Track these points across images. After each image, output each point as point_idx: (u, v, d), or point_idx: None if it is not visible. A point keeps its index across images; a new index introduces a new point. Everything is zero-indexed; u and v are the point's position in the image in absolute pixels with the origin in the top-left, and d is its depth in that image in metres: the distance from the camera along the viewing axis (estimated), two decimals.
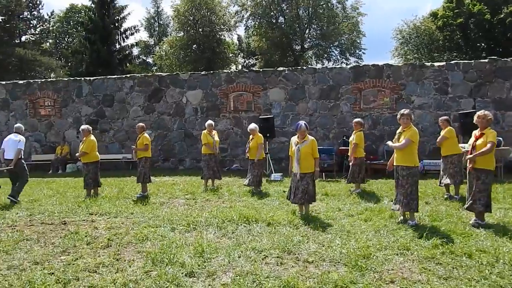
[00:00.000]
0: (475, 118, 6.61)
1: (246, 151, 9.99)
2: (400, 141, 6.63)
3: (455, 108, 12.56)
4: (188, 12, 38.01)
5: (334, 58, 40.78)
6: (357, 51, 40.37)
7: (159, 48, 43.87)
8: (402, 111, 6.80)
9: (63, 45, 40.04)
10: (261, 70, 14.35)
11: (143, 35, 59.78)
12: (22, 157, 9.29)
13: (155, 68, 44.03)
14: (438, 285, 4.31)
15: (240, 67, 44.36)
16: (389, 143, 6.97)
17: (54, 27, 43.19)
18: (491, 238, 5.78)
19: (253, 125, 10.04)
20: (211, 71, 14.86)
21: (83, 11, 32.15)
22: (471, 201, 6.52)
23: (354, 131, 9.52)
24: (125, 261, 5.22)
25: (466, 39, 33.50)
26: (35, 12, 35.15)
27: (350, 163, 9.54)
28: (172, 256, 5.18)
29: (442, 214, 7.14)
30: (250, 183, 9.79)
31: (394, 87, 13.06)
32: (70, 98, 15.52)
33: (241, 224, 6.75)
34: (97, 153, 9.85)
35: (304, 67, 14.04)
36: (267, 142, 12.32)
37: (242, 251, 5.42)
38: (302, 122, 7.29)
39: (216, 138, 10.37)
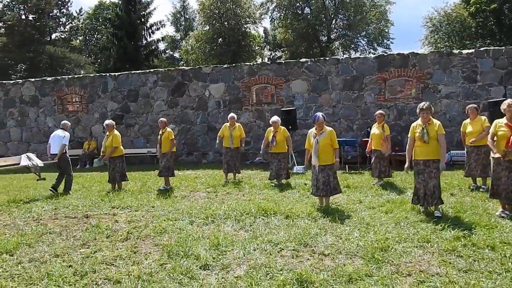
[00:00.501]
0: (504, 106, 6.31)
1: (273, 144, 9.71)
2: (432, 136, 6.40)
3: (484, 97, 12.12)
4: (213, 5, 38.09)
5: (361, 48, 40.17)
6: (385, 40, 39.62)
7: (185, 42, 44.25)
8: (421, 105, 6.55)
9: (93, 42, 40.78)
10: (283, 62, 14.23)
11: (169, 30, 60.28)
12: (67, 152, 9.77)
13: (182, 62, 44.44)
14: (457, 278, 4.16)
15: (266, 60, 44.12)
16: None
17: (84, 24, 44.14)
18: None
19: (275, 118, 9.96)
20: (233, 64, 14.83)
21: (110, 8, 32.58)
22: (505, 192, 6.25)
23: (377, 123, 9.28)
24: (142, 254, 5.27)
25: (500, 26, 32.28)
26: (64, 10, 35.95)
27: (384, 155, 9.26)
28: (187, 249, 5.20)
29: (466, 206, 6.91)
30: (283, 176, 9.71)
31: (420, 76, 12.70)
32: (96, 93, 15.81)
33: (259, 217, 6.72)
34: (122, 147, 10.02)
35: (327, 58, 13.83)
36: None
37: (258, 244, 5.39)
38: (319, 114, 7.21)
39: (236, 132, 10.28)
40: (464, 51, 12.52)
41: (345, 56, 29.46)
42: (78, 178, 12.12)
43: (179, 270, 4.55)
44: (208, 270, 4.63)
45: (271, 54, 50.32)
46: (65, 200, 8.84)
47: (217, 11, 38.51)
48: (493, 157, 6.46)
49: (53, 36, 34.59)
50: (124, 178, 10.01)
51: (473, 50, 12.52)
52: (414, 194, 6.69)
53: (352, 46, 40.41)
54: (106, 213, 7.56)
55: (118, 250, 5.43)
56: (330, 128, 7.23)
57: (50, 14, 34.72)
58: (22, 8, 32.10)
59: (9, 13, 32.01)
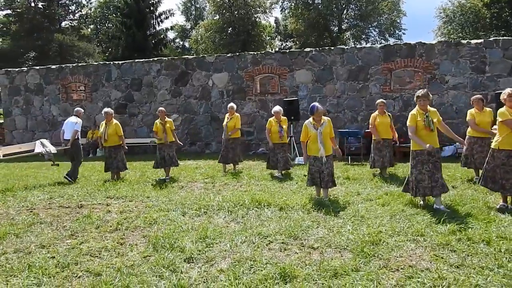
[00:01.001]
0: (503, 96, 6.10)
1: (282, 134, 9.54)
2: (436, 123, 6.17)
3: (492, 88, 11.78)
4: None
5: (372, 39, 39.61)
6: (396, 31, 39.01)
7: (195, 32, 44.07)
8: (419, 92, 6.29)
9: (103, 30, 40.76)
10: (287, 51, 13.99)
11: (179, 19, 60.06)
12: (79, 138, 10.00)
13: (192, 52, 44.27)
14: (447, 274, 3.99)
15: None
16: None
17: (95, 13, 44.15)
18: None
19: (278, 108, 9.78)
20: (237, 53, 14.64)
21: None
22: (504, 182, 6.04)
23: (379, 113, 9.05)
24: (128, 245, 5.18)
25: None
26: None
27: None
28: (174, 241, 5.10)
29: (466, 199, 6.70)
30: (286, 166, 9.57)
31: (427, 67, 12.39)
32: (100, 82, 15.75)
33: (252, 209, 6.60)
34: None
35: (332, 48, 13.55)
36: (291, 125, 12.04)
37: (246, 236, 5.26)
38: (317, 104, 7.03)
39: (231, 122, 10.11)
40: (473, 41, 12.17)
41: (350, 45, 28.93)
42: (79, 168, 12.10)
43: (162, 262, 4.45)
44: (192, 263, 4.52)
45: (282, 44, 49.94)
46: (61, 189, 8.80)
47: (227, 0, 38.24)
48: (500, 149, 6.14)
49: (62, 24, 34.57)
50: (125, 167, 9.96)
51: (482, 40, 12.17)
52: (413, 184, 6.36)
53: (363, 36, 39.87)
54: (100, 203, 7.49)
55: (104, 241, 5.34)
56: (328, 118, 7.07)
57: (60, 2, 34.72)
58: None
59: (18, 0, 32.08)
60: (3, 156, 10.14)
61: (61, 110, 16.27)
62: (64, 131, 9.96)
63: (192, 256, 4.65)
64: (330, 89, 13.28)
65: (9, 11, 32.79)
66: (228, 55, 14.80)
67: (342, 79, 13.14)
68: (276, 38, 51.07)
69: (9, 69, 17.42)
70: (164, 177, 9.71)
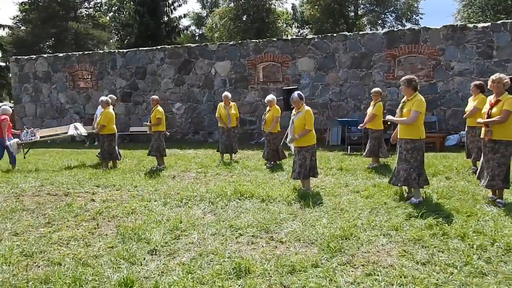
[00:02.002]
0: (489, 82, 5.86)
1: (262, 123, 9.56)
2: (405, 113, 6.00)
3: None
4: None
5: (389, 24, 38.67)
6: (414, 16, 38.02)
7: (211, 19, 43.82)
8: (405, 78, 6.08)
9: (118, 18, 40.86)
10: (289, 38, 13.74)
11: (195, 7, 59.86)
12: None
13: (207, 39, 44.10)
14: (409, 271, 3.85)
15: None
16: (389, 117, 6.31)
17: (111, 1, 44.34)
18: (498, 218, 5.13)
19: (270, 96, 9.64)
20: (239, 41, 14.47)
21: None
22: (489, 178, 5.83)
23: (373, 102, 8.85)
24: (99, 235, 5.17)
25: None
26: None
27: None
28: (143, 232, 5.06)
29: (455, 191, 6.47)
30: (264, 157, 9.49)
31: (432, 53, 12.00)
32: (106, 70, 15.81)
33: (234, 200, 6.52)
34: (114, 126, 9.92)
35: (335, 34, 13.23)
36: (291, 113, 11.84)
37: (218, 228, 5.20)
38: (295, 93, 6.88)
39: (233, 111, 10.05)
40: (479, 25, 11.70)
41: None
42: (80, 155, 12.24)
43: (123, 254, 4.41)
44: (155, 255, 4.47)
45: (299, 31, 49.34)
46: (54, 176, 8.87)
47: None
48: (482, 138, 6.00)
49: (78, 12, 34.84)
50: (115, 157, 10.00)
51: (489, 24, 11.68)
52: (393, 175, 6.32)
53: (380, 22, 38.99)
54: (87, 192, 7.52)
55: (77, 230, 5.35)
56: (308, 108, 6.86)
57: None
58: None
59: None
60: (40, 138, 11.24)
61: (68, 98, 16.43)
62: (97, 116, 10.52)
63: (156, 248, 4.60)
64: (332, 77, 13.02)
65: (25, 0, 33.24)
66: (230, 43, 14.63)
67: (345, 67, 12.86)
68: (293, 25, 50.44)
69: (18, 57, 17.65)
70: (156, 166, 9.70)
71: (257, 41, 14.02)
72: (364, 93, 12.73)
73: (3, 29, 35.60)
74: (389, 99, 12.50)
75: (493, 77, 5.78)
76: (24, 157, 11.18)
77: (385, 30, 12.94)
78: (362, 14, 40.03)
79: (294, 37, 14.22)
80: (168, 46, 15.24)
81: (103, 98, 10.04)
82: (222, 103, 10.08)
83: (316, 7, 39.54)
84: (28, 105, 17.14)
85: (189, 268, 4.03)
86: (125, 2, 39.36)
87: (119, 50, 16.12)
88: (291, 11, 49.49)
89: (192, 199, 6.67)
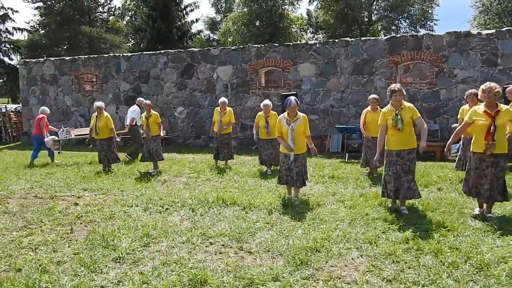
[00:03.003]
0: (479, 92, 5.58)
1: (269, 130, 9.25)
2: (406, 123, 5.77)
3: (505, 82, 10.99)
4: None
5: (402, 30, 38.16)
6: (428, 22, 37.50)
7: (224, 24, 43.95)
8: (392, 86, 5.88)
9: (131, 23, 41.29)
10: (291, 44, 13.61)
11: (210, 11, 60.20)
12: (137, 124, 11.22)
13: (220, 44, 44.22)
14: None
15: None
16: (423, 144, 5.92)
17: (126, 5, 44.78)
18: (479, 233, 4.92)
19: (266, 101, 9.54)
20: (241, 46, 14.39)
21: None
22: (490, 192, 5.51)
23: (371, 109, 8.55)
24: (70, 240, 5.13)
25: None
26: None
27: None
28: (113, 238, 5.00)
29: (442, 203, 6.26)
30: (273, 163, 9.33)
31: (435, 59, 11.72)
32: (110, 74, 15.89)
33: (215, 207, 6.42)
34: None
35: (336, 40, 13.05)
36: None
37: (189, 236, 5.11)
38: (292, 98, 6.68)
39: (225, 117, 9.94)
40: (484, 32, 11.40)
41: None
42: (81, 157, 12.29)
43: (85, 261, 4.36)
44: (118, 263, 4.41)
45: (313, 36, 49.20)
46: (46, 179, 8.90)
47: None
48: (473, 151, 5.71)
49: (92, 17, 35.25)
50: (118, 159, 10.11)
51: (493, 31, 11.37)
52: (384, 187, 6.08)
53: (393, 28, 38.53)
54: (73, 195, 7.52)
55: (50, 235, 5.32)
56: (303, 114, 6.71)
57: None
58: None
59: None
60: (75, 135, 13.18)
61: (74, 101, 16.56)
62: (127, 118, 11.55)
63: (121, 255, 4.54)
64: (334, 83, 12.83)
65: (40, 4, 33.75)
66: (232, 47, 14.57)
67: (346, 73, 12.67)
68: (308, 31, 50.33)
69: (27, 60, 17.88)
70: (151, 170, 9.67)
71: (259, 46, 13.93)
72: (365, 99, 12.46)
73: (22, 32, 36.40)
74: None
75: (483, 87, 5.46)
76: (59, 153, 12.55)
77: (388, 36, 12.68)
78: (376, 20, 39.66)
79: (296, 42, 14.01)
80: (171, 50, 15.23)
81: (99, 104, 10.04)
82: (218, 108, 10.01)
83: (330, 12, 39.38)
84: (35, 108, 17.27)
85: (147, 278, 3.95)
86: (141, 7, 39.79)
87: (124, 54, 16.19)
88: (306, 16, 49.42)
89: (174, 205, 6.60)
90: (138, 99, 11.81)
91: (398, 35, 12.88)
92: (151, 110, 9.64)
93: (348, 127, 11.58)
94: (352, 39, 12.84)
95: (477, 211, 5.76)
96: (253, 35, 38.41)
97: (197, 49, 15.11)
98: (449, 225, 5.16)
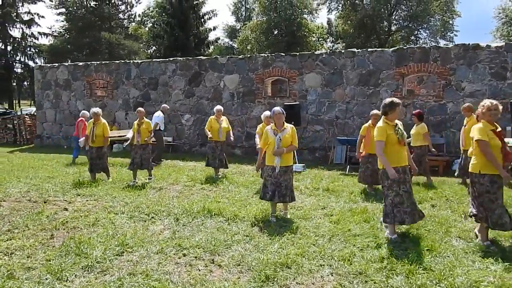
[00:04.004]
0: (479, 109, 5.21)
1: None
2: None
3: None
4: None
5: (422, 41, 37.69)
6: (448, 33, 36.93)
7: (242, 32, 44.23)
8: (396, 100, 5.39)
9: (150, 29, 41.99)
10: (297, 53, 13.56)
11: (230, 19, 60.62)
12: (160, 128, 12.08)
13: (238, 52, 44.50)
14: None
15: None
16: None
17: (153, 12, 45.56)
18: (459, 254, 4.76)
19: (267, 112, 9.47)
20: (248, 55, 14.42)
21: None
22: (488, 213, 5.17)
23: (372, 125, 8.34)
24: (47, 246, 5.17)
25: None
26: None
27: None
28: (87, 246, 5.02)
29: (430, 221, 6.09)
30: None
31: (442, 72, 11.52)
32: (121, 80, 16.12)
33: (200, 217, 6.40)
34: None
35: (343, 50, 12.96)
36: None
37: (164, 247, 5.09)
38: (277, 107, 6.58)
39: (224, 124, 9.98)
40: (493, 44, 11.15)
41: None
42: (85, 162, 12.41)
43: (54, 268, 4.38)
44: (87, 271, 4.42)
45: (333, 45, 49.02)
46: (44, 183, 9.03)
47: (273, 1, 38.05)
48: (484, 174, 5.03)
49: (112, 23, 35.99)
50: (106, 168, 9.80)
51: (503, 43, 11.11)
52: (393, 211, 5.30)
53: (412, 38, 38.09)
54: (65, 200, 7.60)
55: (30, 240, 5.37)
56: (291, 125, 6.59)
57: (111, 1, 36.16)
58: None
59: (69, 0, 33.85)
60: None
61: (85, 105, 16.79)
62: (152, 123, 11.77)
63: (91, 264, 4.55)
64: (339, 94, 12.72)
65: (63, 10, 34.63)
66: (239, 56, 14.61)
67: (352, 84, 12.55)
68: (328, 40, 50.19)
69: (42, 65, 18.29)
70: (147, 178, 9.69)
71: (266, 55, 13.93)
72: (370, 111, 12.32)
73: (46, 37, 37.42)
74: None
75: (488, 103, 5.03)
76: None
77: (394, 48, 12.50)
78: (396, 30, 39.28)
79: (303, 52, 13.95)
80: (180, 58, 15.37)
81: (96, 110, 9.87)
82: (213, 117, 10.03)
83: (349, 22, 39.22)
84: (49, 111, 17.69)
85: None
86: (163, 14, 40.46)
87: (134, 61, 16.41)
88: (327, 25, 49.33)
89: (159, 214, 6.61)
90: (162, 105, 12.61)
91: (405, 47, 12.68)
92: (144, 118, 9.65)
93: (351, 139, 11.44)
94: (358, 50, 12.72)
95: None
96: (271, 43, 38.52)
97: (205, 57, 15.21)
98: (429, 245, 5.01)
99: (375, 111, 8.68)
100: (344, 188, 8.59)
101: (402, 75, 12.00)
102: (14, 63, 36.97)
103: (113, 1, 35.94)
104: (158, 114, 12.20)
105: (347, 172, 10.70)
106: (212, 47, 40.31)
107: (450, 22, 36.95)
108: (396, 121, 5.59)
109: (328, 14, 42.93)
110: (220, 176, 9.95)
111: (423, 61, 11.67)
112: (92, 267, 4.48)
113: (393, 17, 38.57)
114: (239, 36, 44.61)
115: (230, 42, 53.38)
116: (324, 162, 12.33)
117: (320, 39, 47.73)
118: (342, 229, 5.72)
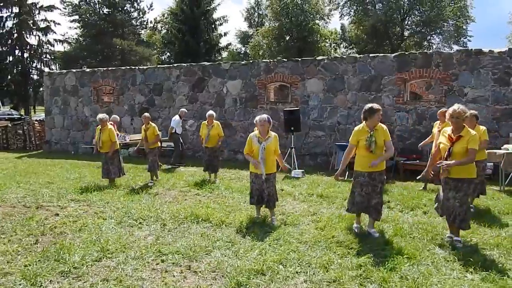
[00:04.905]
0: (447, 116, 5.38)
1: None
2: (379, 145, 5.61)
3: None
4: (281, 0, 37.79)
5: (435, 46, 37.27)
6: (462, 38, 36.44)
7: (254, 38, 44.39)
8: (375, 106, 5.73)
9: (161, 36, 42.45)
10: (299, 59, 13.53)
11: (242, 25, 60.93)
12: (177, 132, 12.68)
13: (250, 57, 44.64)
14: None
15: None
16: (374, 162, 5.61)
17: (167, 19, 46.14)
18: (439, 263, 4.67)
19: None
20: (251, 61, 14.44)
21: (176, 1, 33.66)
22: (453, 217, 5.34)
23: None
24: (30, 252, 5.23)
25: None
26: (136, 5, 37.78)
27: None
28: (66, 251, 5.05)
29: (418, 228, 5.98)
30: None
31: (444, 78, 11.34)
32: (126, 86, 16.29)
33: (186, 223, 6.41)
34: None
35: (344, 56, 12.88)
36: (292, 136, 11.65)
37: (144, 252, 5.10)
38: (264, 115, 6.60)
39: (214, 130, 9.98)
40: (496, 50, 10.94)
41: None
42: (88, 168, 12.58)
43: (29, 274, 4.42)
44: (62, 277, 4.45)
45: (346, 51, 48.85)
46: (42, 188, 9.15)
47: (284, 7, 38.10)
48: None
49: (125, 30, 36.50)
50: (121, 172, 9.97)
51: (506, 49, 10.90)
52: (351, 203, 5.94)
53: (425, 43, 37.70)
54: (58, 205, 7.68)
55: (14, 245, 5.43)
56: (275, 134, 6.61)
57: (124, 8, 36.69)
58: (96, 2, 34.36)
59: (84, 6, 34.43)
60: (129, 140, 14.48)
61: (92, 111, 17.03)
62: (172, 128, 12.78)
63: (68, 270, 4.58)
64: (341, 99, 12.64)
65: (76, 17, 35.26)
66: (242, 62, 14.63)
67: (353, 89, 12.45)
68: (341, 45, 50.01)
69: (51, 71, 18.59)
70: (149, 182, 9.79)
71: (268, 61, 13.94)
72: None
73: (62, 44, 38.12)
74: (398, 125, 11.94)
75: (451, 111, 5.27)
76: None
77: (396, 53, 12.35)
78: (408, 35, 38.94)
79: (305, 57, 13.91)
80: (184, 64, 15.47)
81: (103, 116, 9.94)
82: (204, 122, 10.09)
83: (362, 27, 39.05)
84: (57, 117, 17.95)
85: None
86: (175, 21, 40.96)
87: (139, 67, 16.57)
88: (340, 31, 49.18)
89: (147, 220, 6.63)
90: (180, 109, 13.16)
91: (407, 52, 12.54)
92: (150, 122, 9.77)
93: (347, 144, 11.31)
94: (360, 55, 12.63)
95: (447, 236, 5.52)
96: (282, 49, 38.57)
97: (208, 63, 15.27)
98: (410, 253, 4.92)
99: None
100: (339, 194, 8.50)
101: (404, 80, 11.86)
102: (31, 70, 37.71)
103: (125, 8, 36.47)
104: (175, 117, 12.72)
105: (345, 178, 10.58)
106: (226, 52, 40.51)
107: (464, 27, 36.47)
108: (381, 125, 5.65)
109: (340, 20, 42.52)
110: (214, 181, 9.98)
111: (425, 67, 11.52)
112: (69, 273, 4.52)
113: (406, 22, 38.26)
114: (250, 42, 44.80)
115: (243, 48, 53.62)
116: (325, 168, 12.24)
117: (333, 44, 47.67)
118: (326, 236, 5.66)
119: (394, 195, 8.36)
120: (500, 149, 9.43)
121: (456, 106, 5.26)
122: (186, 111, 13.26)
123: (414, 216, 6.82)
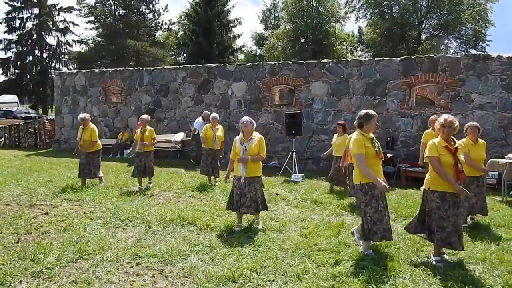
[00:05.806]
0: (436, 125, 5.12)
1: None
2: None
3: None
4: (296, 3, 37.70)
5: (452, 50, 36.63)
6: (480, 42, 35.69)
7: (270, 40, 44.33)
8: (371, 112, 5.36)
9: (175, 37, 42.75)
10: (304, 62, 13.39)
11: (258, 28, 60.97)
12: (199, 133, 11.87)
13: (265, 60, 44.61)
14: None
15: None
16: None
17: (184, 20, 46.47)
18: (416, 276, 4.51)
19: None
20: (256, 63, 14.36)
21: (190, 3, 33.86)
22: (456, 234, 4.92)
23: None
24: (9, 251, 5.24)
25: None
26: (151, 6, 38.16)
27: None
28: (43, 251, 5.05)
29: (406, 239, 5.81)
30: None
31: (451, 83, 11.09)
32: (134, 87, 16.38)
33: (171, 226, 6.36)
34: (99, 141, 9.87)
35: (349, 59, 12.71)
36: (293, 139, 11.54)
37: (120, 255, 5.07)
38: (246, 117, 6.49)
39: (219, 133, 9.95)
40: (505, 55, 10.64)
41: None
42: (119, 166, 12.63)
43: (0, 274, 4.41)
44: (33, 277, 4.44)
45: (363, 54, 48.43)
46: (38, 187, 9.22)
47: (300, 9, 37.98)
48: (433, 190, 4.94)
49: (140, 31, 36.86)
50: (96, 175, 9.74)
51: None
52: (371, 228, 5.08)
53: (443, 48, 37.08)
54: (51, 204, 7.73)
55: None
56: (260, 135, 6.47)
57: (139, 10, 37.07)
58: (112, 3, 34.82)
59: (99, 7, 34.91)
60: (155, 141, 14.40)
61: (100, 111, 17.20)
62: (196, 130, 12.90)
63: (40, 270, 4.57)
64: (345, 103, 12.46)
65: (92, 18, 35.78)
66: (247, 64, 14.58)
67: (358, 93, 12.27)
68: (358, 48, 49.61)
69: (62, 71, 18.83)
70: (147, 183, 9.77)
71: (273, 63, 13.85)
72: (376, 122, 12.02)
73: (79, 45, 38.74)
74: (402, 130, 11.71)
75: (442, 120, 4.92)
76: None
77: (402, 57, 12.10)
78: (425, 39, 38.38)
79: (310, 60, 13.77)
80: (189, 66, 15.49)
81: (84, 116, 9.84)
82: (208, 124, 10.01)
83: (378, 30, 38.65)
84: (67, 117, 18.15)
85: None
86: (189, 22, 41.21)
87: (147, 68, 16.65)
88: (357, 33, 48.78)
89: (133, 221, 6.60)
90: (204, 112, 13.05)
91: (413, 56, 12.31)
92: (147, 125, 9.70)
93: None
94: (365, 59, 12.44)
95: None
96: (297, 52, 38.43)
97: (214, 65, 15.24)
98: (389, 264, 4.77)
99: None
100: (333, 201, 8.34)
101: (410, 85, 11.64)
102: (49, 70, 38.34)
103: (140, 10, 36.83)
104: (198, 119, 12.84)
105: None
106: (243, 55, 40.55)
107: (483, 31, 35.72)
108: (371, 134, 5.42)
109: (356, 23, 42.18)
110: (213, 184, 9.92)
111: (432, 71, 11.28)
112: (40, 273, 4.51)
113: (423, 25, 37.71)
114: (266, 44, 44.74)
115: (258, 50, 53.62)
116: (328, 173, 12.04)
117: (350, 47, 47.37)
118: (308, 243, 5.54)
119: (389, 203, 8.11)
120: (504, 158, 9.16)
121: (446, 116, 4.99)
122: (209, 113, 12.16)
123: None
